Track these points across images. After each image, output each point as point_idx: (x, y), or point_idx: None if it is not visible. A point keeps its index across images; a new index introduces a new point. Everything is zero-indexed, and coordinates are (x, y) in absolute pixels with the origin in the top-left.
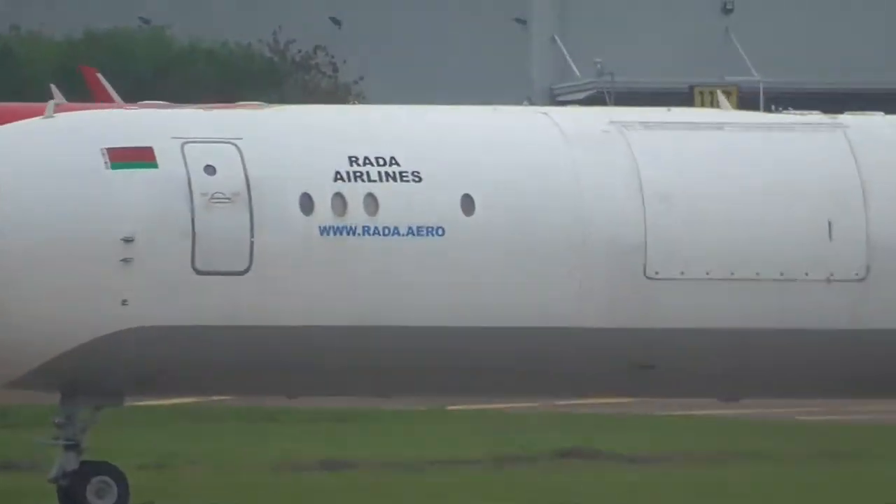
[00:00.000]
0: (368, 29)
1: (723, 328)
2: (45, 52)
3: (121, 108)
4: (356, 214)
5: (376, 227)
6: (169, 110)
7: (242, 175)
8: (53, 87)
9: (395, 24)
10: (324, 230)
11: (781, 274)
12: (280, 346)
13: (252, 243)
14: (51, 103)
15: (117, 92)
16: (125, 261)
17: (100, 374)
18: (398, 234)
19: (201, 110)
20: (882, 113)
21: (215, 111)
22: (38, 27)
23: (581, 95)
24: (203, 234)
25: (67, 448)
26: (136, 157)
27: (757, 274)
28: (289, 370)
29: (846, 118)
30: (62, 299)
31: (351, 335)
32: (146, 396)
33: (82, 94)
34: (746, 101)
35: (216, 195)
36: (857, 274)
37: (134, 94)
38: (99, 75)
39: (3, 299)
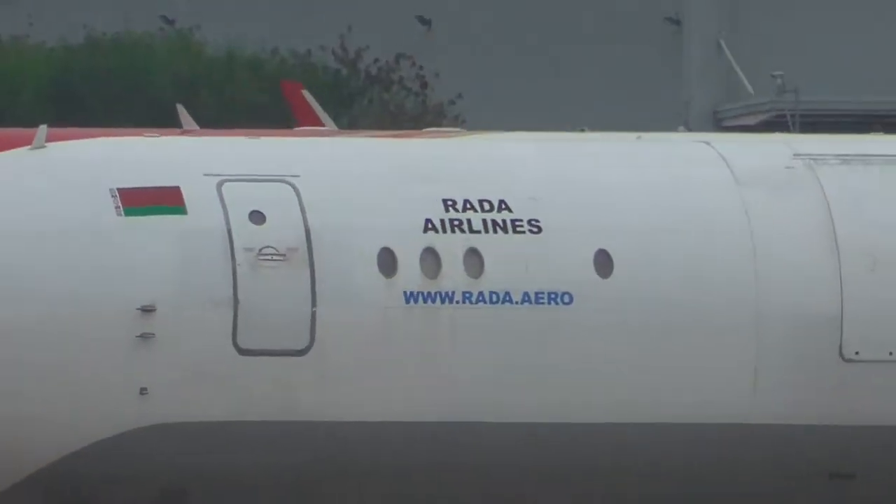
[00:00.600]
0: (467, 32)
1: None
2: (33, 63)
3: (145, 135)
4: (454, 276)
5: (481, 294)
6: (201, 138)
7: (301, 224)
8: (181, 108)
9: (500, 25)
10: (410, 297)
11: None
12: (351, 448)
13: (314, 315)
14: (41, 129)
15: (127, 116)
16: (143, 337)
17: (110, 486)
18: (510, 302)
19: (244, 138)
20: None
21: (264, 139)
22: (23, 31)
23: (755, 120)
24: (248, 302)
25: None
26: (157, 201)
27: None
28: (362, 478)
29: None
30: (61, 389)
31: (445, 434)
32: None
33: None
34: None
35: (266, 251)
36: None
37: (153, 117)
38: (305, 92)
39: None
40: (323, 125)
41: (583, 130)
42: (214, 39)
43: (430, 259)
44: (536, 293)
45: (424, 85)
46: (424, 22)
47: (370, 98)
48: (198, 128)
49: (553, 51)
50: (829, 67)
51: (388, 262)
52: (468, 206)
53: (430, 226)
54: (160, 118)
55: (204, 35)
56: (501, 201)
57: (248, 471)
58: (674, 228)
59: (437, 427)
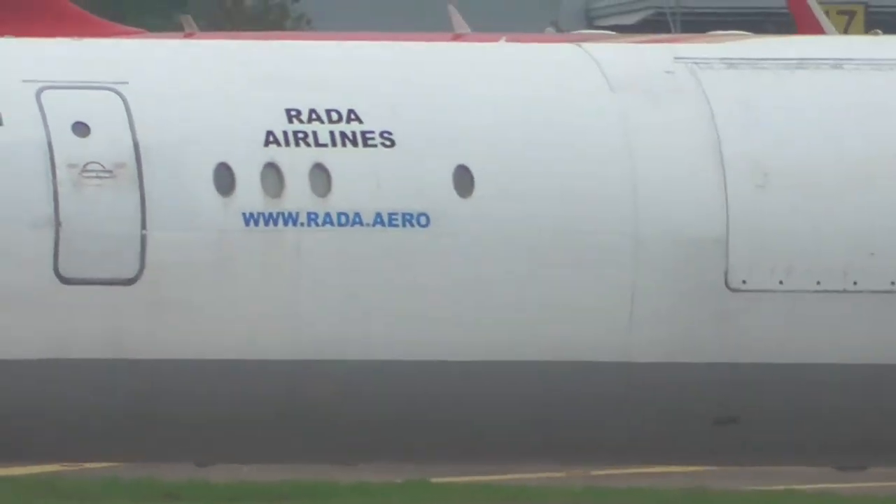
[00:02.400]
0: None
1: (843, 364)
2: None
3: None
4: (298, 195)
5: (328, 215)
6: (18, 40)
7: (130, 137)
8: (452, 8)
9: None
10: (250, 218)
11: None
12: (184, 388)
13: (143, 238)
14: None
15: None
16: None
17: None
18: (360, 223)
19: (69, 41)
20: None
21: (89, 42)
22: None
23: (632, 19)
24: (71, 224)
25: None
26: None
27: (893, 284)
28: (197, 424)
29: None
30: None
31: (289, 372)
32: None
33: None
34: (879, 23)
35: (90, 167)
36: None
37: None
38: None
39: None
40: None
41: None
42: None
43: (272, 176)
44: (390, 214)
45: None
46: None
47: None
48: (470, 32)
49: None
50: None
51: (225, 179)
52: (314, 116)
53: (271, 139)
54: None
55: None
56: (351, 111)
57: (69, 413)
58: (542, 142)
59: (279, 365)
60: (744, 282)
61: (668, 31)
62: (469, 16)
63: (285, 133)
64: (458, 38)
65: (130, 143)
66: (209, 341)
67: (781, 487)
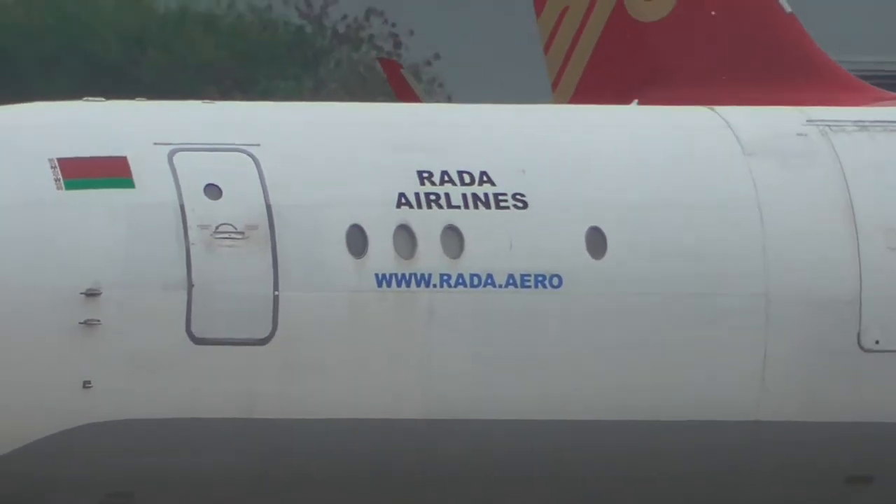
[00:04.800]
0: None
1: None
2: None
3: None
4: (431, 257)
5: (461, 276)
6: (150, 104)
7: (262, 199)
8: None
9: None
10: (382, 280)
11: None
12: (315, 448)
13: (276, 299)
14: None
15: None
16: (87, 324)
17: (49, 490)
18: (493, 285)
19: (199, 104)
20: None
21: (220, 105)
22: None
23: None
24: (203, 285)
25: None
26: (101, 172)
27: None
28: (328, 484)
29: None
30: None
31: (421, 432)
32: None
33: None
34: None
35: (223, 229)
36: None
37: (98, 81)
38: (404, 72)
39: None
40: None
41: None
42: None
43: (405, 237)
44: (522, 275)
45: (398, 44)
46: None
47: (339, 59)
48: None
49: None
50: (850, 20)
51: (357, 240)
52: (446, 178)
53: (403, 200)
54: (103, 81)
55: None
56: (483, 173)
57: (202, 473)
58: (674, 203)
59: (412, 425)
60: (877, 342)
61: None
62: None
63: (417, 195)
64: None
65: (263, 204)
66: (341, 401)
67: None
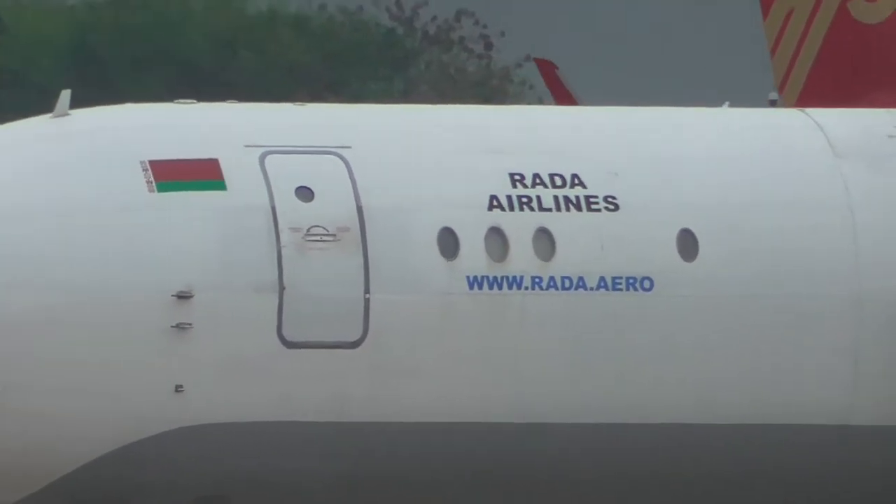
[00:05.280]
0: None
1: None
2: (51, 24)
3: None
4: (522, 259)
5: (552, 278)
6: (241, 106)
7: (353, 201)
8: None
9: None
10: (474, 282)
11: None
12: (406, 451)
13: (367, 302)
14: (63, 94)
15: (159, 81)
16: (180, 327)
17: (142, 493)
18: (584, 287)
19: (290, 106)
20: None
21: (311, 107)
22: None
23: None
24: (295, 288)
25: None
26: (193, 175)
27: None
28: (418, 487)
29: None
30: (87, 386)
31: (512, 434)
32: None
33: (104, 81)
34: None
35: (314, 231)
36: None
37: (188, 83)
38: (559, 72)
39: (4, 388)
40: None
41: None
42: None
43: (496, 240)
44: (613, 278)
45: (489, 46)
46: None
47: (429, 60)
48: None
49: (633, 6)
50: None
51: (449, 243)
52: (538, 181)
53: (495, 203)
54: (194, 83)
55: None
56: (574, 176)
57: (295, 476)
58: (765, 205)
59: (503, 428)
60: None
61: None
62: (695, 84)
63: (509, 197)
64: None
65: (354, 206)
66: (432, 404)
67: None
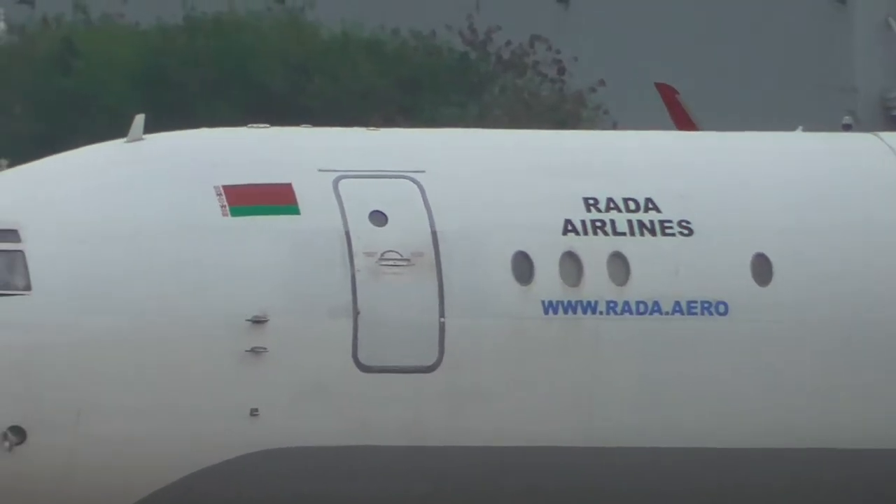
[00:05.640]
0: (607, 11)
1: None
2: (122, 48)
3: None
4: (597, 284)
5: (627, 303)
6: (314, 130)
7: (427, 226)
8: None
9: (644, 2)
10: (549, 307)
11: None
12: (483, 475)
13: (442, 326)
14: (137, 119)
15: (232, 105)
16: (254, 352)
17: None
18: (659, 312)
19: (363, 131)
20: None
21: (384, 132)
22: (116, 9)
23: None
24: (370, 313)
25: None
26: (266, 199)
27: None
28: None
29: None
30: (163, 410)
31: (586, 460)
32: None
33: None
34: None
35: (388, 256)
36: None
37: (261, 108)
38: (679, 97)
39: (74, 416)
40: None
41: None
42: (328, 20)
43: (571, 264)
44: (688, 302)
45: (562, 70)
46: (561, 0)
47: (503, 85)
48: None
49: (704, 32)
50: None
51: (523, 267)
52: (612, 205)
53: (569, 227)
54: (267, 108)
55: (317, 15)
56: (648, 200)
57: (370, 501)
58: (840, 229)
59: (579, 453)
60: None
61: None
62: (766, 109)
63: (584, 222)
64: None
65: (428, 231)
66: (507, 428)
67: None
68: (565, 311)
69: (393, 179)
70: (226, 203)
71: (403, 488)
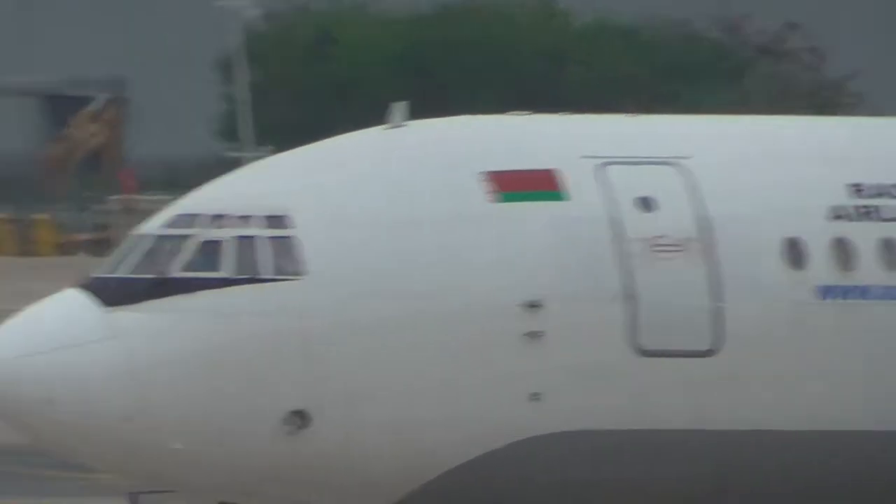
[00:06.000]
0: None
1: None
2: (378, 36)
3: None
4: (869, 269)
5: None
6: (575, 117)
7: (696, 211)
8: None
9: None
10: (825, 292)
11: None
12: (763, 460)
13: (717, 311)
14: (399, 106)
15: (493, 94)
16: (532, 335)
17: (501, 501)
18: None
19: (623, 118)
20: None
21: (645, 118)
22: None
23: None
24: (648, 297)
25: None
26: (532, 185)
27: None
28: (777, 495)
29: None
30: (443, 395)
31: (873, 444)
32: None
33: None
34: None
35: (659, 241)
36: None
37: (520, 95)
38: None
39: (356, 400)
40: None
41: None
42: (581, 7)
43: (841, 249)
44: None
45: (820, 58)
46: None
47: (761, 72)
48: None
49: None
50: None
51: (794, 252)
52: (878, 191)
53: (837, 213)
54: (524, 96)
55: (569, 3)
56: None
57: (656, 485)
58: None
59: (859, 437)
60: None
61: None
62: None
63: (852, 208)
64: None
65: (698, 216)
66: (786, 413)
67: None
68: (841, 296)
69: (658, 166)
70: (493, 189)
71: (686, 472)
